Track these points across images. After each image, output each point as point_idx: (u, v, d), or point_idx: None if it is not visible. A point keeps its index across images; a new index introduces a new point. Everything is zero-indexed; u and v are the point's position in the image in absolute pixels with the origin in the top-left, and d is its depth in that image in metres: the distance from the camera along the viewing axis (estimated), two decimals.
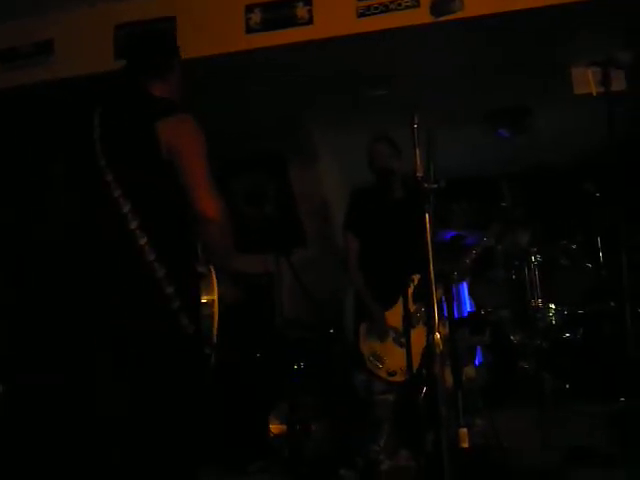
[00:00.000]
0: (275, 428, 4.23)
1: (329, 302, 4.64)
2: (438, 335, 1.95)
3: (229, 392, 4.16)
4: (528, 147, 5.09)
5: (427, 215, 1.96)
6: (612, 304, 4.24)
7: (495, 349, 4.38)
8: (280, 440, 4.13)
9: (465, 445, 2.05)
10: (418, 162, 2.05)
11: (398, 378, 3.16)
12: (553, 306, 4.54)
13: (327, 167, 4.90)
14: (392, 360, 3.20)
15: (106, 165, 1.97)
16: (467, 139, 5.11)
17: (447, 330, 2.30)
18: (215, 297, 2.08)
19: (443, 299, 2.69)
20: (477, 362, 4.56)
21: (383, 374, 3.24)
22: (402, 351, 2.96)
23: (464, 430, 2.05)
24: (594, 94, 2.49)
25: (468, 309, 5.31)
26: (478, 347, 4.46)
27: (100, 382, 2.14)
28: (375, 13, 3.06)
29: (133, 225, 1.92)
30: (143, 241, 1.91)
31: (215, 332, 2.11)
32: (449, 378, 3.23)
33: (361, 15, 3.08)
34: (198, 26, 3.26)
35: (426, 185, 2.00)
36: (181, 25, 3.31)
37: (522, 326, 4.48)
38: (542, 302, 4.42)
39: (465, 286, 5.01)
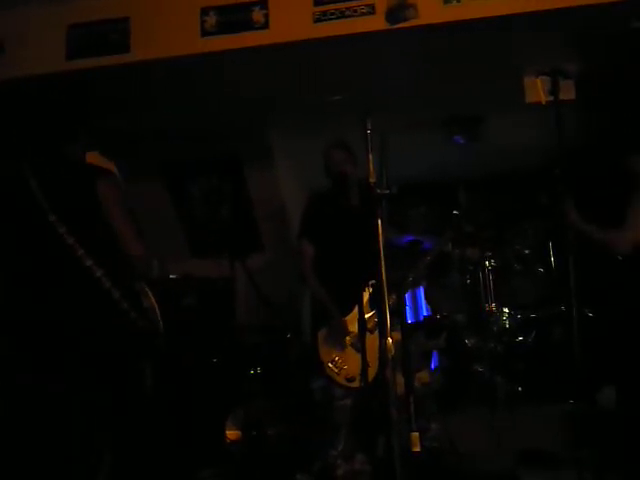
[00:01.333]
0: (231, 434, 4.19)
1: (287, 306, 4.62)
2: (390, 340, 1.96)
3: (185, 397, 4.11)
4: (486, 154, 5.18)
5: (379, 220, 1.96)
6: (563, 308, 4.35)
7: (450, 353, 4.43)
8: (236, 445, 4.09)
9: (416, 449, 2.06)
10: (371, 167, 2.06)
11: (357, 384, 3.16)
12: (507, 310, 4.63)
13: (285, 171, 4.89)
14: (351, 366, 3.19)
15: (49, 209, 2.46)
16: (426, 145, 5.17)
17: (400, 335, 2.30)
18: (154, 304, 2.74)
19: (396, 304, 2.70)
20: (433, 366, 4.61)
21: (342, 380, 3.23)
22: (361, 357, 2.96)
23: (415, 434, 2.05)
24: (543, 103, 2.56)
25: (424, 314, 5.36)
26: (434, 351, 4.50)
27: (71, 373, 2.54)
28: (331, 19, 3.06)
29: (88, 263, 2.46)
30: (90, 263, 2.47)
31: (161, 326, 2.74)
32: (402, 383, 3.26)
33: (317, 20, 3.08)
34: (152, 28, 3.21)
35: (378, 190, 2.01)
36: (135, 26, 3.25)
37: (476, 330, 4.55)
38: (496, 306, 4.51)
39: (421, 291, 5.05)
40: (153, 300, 2.74)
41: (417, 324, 4.98)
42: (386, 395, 1.98)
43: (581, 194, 3.26)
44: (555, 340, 4.38)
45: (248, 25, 3.11)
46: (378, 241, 1.97)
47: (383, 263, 1.98)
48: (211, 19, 3.14)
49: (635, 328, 2.94)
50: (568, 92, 3.19)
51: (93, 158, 2.94)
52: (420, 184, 5.77)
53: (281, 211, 4.85)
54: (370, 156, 2.06)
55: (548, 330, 4.37)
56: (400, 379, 2.30)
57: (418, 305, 5.45)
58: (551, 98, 2.46)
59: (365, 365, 2.77)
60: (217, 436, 4.18)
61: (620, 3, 3.00)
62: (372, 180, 2.03)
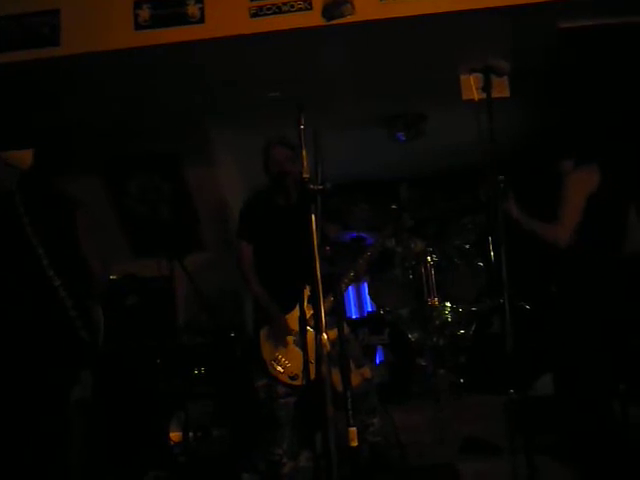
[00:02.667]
0: (175, 435, 4.13)
1: (230, 305, 4.58)
2: (325, 336, 1.95)
3: (127, 399, 4.03)
4: (428, 151, 5.26)
5: (313, 217, 1.96)
6: (501, 301, 4.44)
7: (394, 348, 4.48)
8: (181, 447, 4.03)
9: (355, 444, 2.06)
10: (305, 163, 2.05)
11: (300, 381, 3.15)
12: (448, 304, 4.72)
13: (226, 168, 4.83)
14: (293, 364, 3.18)
15: (32, 233, 2.87)
16: (369, 143, 5.20)
17: (337, 331, 2.30)
18: (100, 319, 3.08)
19: (335, 301, 2.70)
20: (377, 361, 4.65)
21: (284, 378, 3.22)
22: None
23: (353, 430, 2.06)
24: (476, 100, 2.61)
25: (368, 309, 5.42)
26: (378, 346, 4.54)
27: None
28: (268, 14, 3.03)
29: (50, 273, 2.85)
30: (57, 283, 2.87)
31: (100, 340, 3.08)
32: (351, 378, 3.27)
33: (254, 15, 3.05)
34: (84, 21, 3.10)
35: (312, 187, 2.00)
36: (66, 19, 3.14)
37: (419, 324, 4.62)
38: (438, 301, 4.58)
39: (365, 286, 5.09)
40: (100, 316, 3.08)
41: (361, 319, 5.03)
42: (323, 392, 1.98)
43: (519, 192, 3.36)
44: (494, 332, 4.48)
45: (183, 19, 3.05)
46: (312, 238, 1.96)
47: (318, 260, 1.96)
48: (144, 12, 3.07)
49: (567, 318, 3.03)
50: (501, 90, 3.26)
51: (26, 155, 2.98)
52: (363, 181, 5.83)
53: (223, 210, 4.79)
54: (304, 152, 2.05)
55: (488, 323, 4.47)
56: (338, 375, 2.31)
57: (362, 301, 5.50)
58: (484, 95, 2.49)
59: (307, 362, 2.76)
60: (161, 438, 4.11)
61: (549, 3, 3.09)
62: (306, 176, 2.02)
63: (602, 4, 3.11)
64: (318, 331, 1.91)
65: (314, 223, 1.98)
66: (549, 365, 3.79)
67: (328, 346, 1.93)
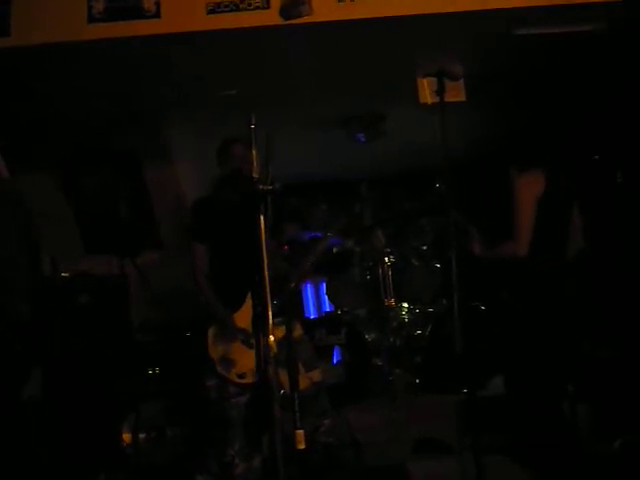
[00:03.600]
0: (127, 436, 4.06)
1: (187, 304, 4.53)
2: (272, 338, 1.94)
3: (79, 399, 3.95)
4: (388, 152, 5.28)
5: (261, 217, 1.94)
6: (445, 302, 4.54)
7: (350, 348, 4.49)
8: (133, 448, 3.97)
9: (302, 447, 2.05)
10: (255, 163, 2.04)
11: (248, 380, 3.13)
12: (405, 305, 4.76)
13: (184, 167, 4.78)
14: (242, 362, 3.16)
15: None
16: (328, 143, 5.21)
17: (286, 332, 2.30)
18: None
19: (286, 301, 2.70)
20: (335, 361, 4.65)
21: (233, 377, 3.19)
22: (251, 353, 2.93)
23: (300, 432, 2.05)
24: (429, 103, 2.63)
25: (326, 309, 5.42)
26: (335, 346, 4.55)
27: None
28: (225, 11, 2.99)
29: None
30: None
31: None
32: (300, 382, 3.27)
33: (211, 12, 3.00)
34: (36, 11, 3.01)
35: (261, 187, 1.99)
36: (17, 8, 3.04)
37: (376, 325, 4.64)
38: (395, 301, 4.61)
39: (323, 286, 5.08)
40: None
41: (318, 319, 5.03)
42: (269, 394, 1.97)
43: (472, 199, 3.42)
44: (450, 333, 4.52)
45: (138, 13, 2.99)
46: (260, 236, 1.95)
47: (265, 260, 1.95)
48: (99, 5, 2.99)
49: (517, 321, 3.09)
50: (457, 94, 3.30)
51: None
52: (324, 181, 5.84)
53: (181, 207, 4.73)
54: (254, 152, 2.04)
55: (444, 323, 4.52)
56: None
57: (321, 301, 5.50)
58: (437, 99, 2.51)
59: (259, 361, 2.74)
60: (114, 439, 4.04)
61: (505, 10, 3.13)
62: (255, 176, 2.00)
63: (554, 14, 3.17)
64: (264, 333, 1.90)
65: (262, 223, 1.97)
66: (500, 366, 3.85)
67: (275, 348, 1.92)
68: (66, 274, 4.23)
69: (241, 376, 3.14)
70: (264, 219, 1.97)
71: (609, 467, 3.06)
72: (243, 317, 3.09)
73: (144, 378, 4.28)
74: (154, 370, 4.34)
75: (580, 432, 3.40)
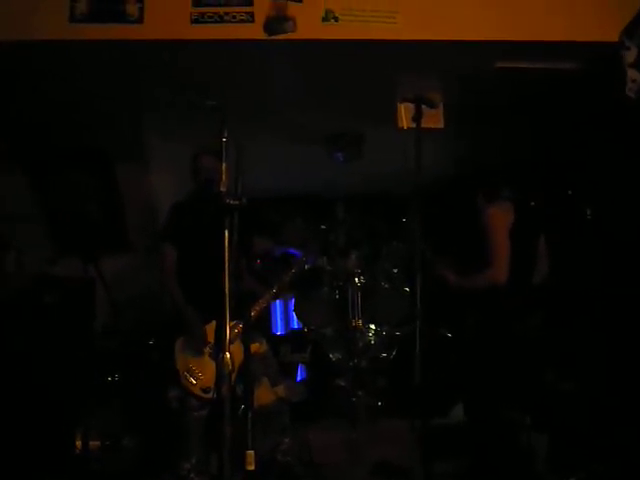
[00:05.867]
0: (83, 443, 3.97)
1: (152, 310, 4.47)
2: (228, 355, 1.92)
3: (35, 402, 3.85)
4: (365, 172, 5.30)
5: (226, 231, 1.92)
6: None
7: (314, 366, 4.46)
8: (88, 455, 3.89)
9: (251, 467, 2.02)
10: (224, 176, 2.02)
11: (212, 395, 3.09)
12: (373, 327, 4.74)
13: (157, 170, 4.74)
14: (207, 376, 3.13)
15: None
16: (306, 159, 5.21)
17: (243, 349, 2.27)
18: None
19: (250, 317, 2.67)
20: (298, 379, 4.62)
21: (197, 390, 3.16)
22: None
23: (251, 452, 2.02)
24: (405, 128, 2.66)
25: (294, 326, 5.38)
26: (299, 364, 4.52)
27: None
28: (209, 22, 3.00)
29: None
30: None
31: None
32: (265, 396, 3.23)
33: (195, 22, 3.00)
34: (16, 7, 2.98)
35: (229, 201, 1.97)
36: None
37: (342, 345, 4.62)
38: (363, 322, 4.59)
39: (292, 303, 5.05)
40: None
41: (284, 336, 4.99)
42: (221, 411, 1.94)
43: (444, 226, 3.44)
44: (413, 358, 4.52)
45: (121, 17, 2.98)
46: (225, 251, 1.92)
47: (228, 276, 1.93)
48: (82, 5, 2.97)
49: (479, 350, 3.10)
50: (435, 121, 3.33)
51: None
52: (301, 197, 5.83)
53: (151, 210, 4.69)
54: (224, 165, 2.02)
55: (409, 347, 4.50)
56: (264, 392, 2.27)
57: (289, 317, 5.46)
58: (413, 125, 2.53)
59: (220, 376, 2.71)
60: (67, 445, 3.95)
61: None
62: (223, 189, 1.99)
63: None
64: (221, 349, 1.87)
65: (227, 238, 1.95)
66: (462, 394, 3.85)
67: (230, 365, 1.90)
68: (31, 273, 4.17)
69: (205, 390, 3.12)
70: (229, 233, 1.95)
71: None
72: (212, 331, 3.07)
73: (103, 385, 4.20)
74: (113, 377, 4.25)
75: (536, 464, 3.41)
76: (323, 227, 3.59)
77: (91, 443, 3.92)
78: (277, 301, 5.35)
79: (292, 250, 4.86)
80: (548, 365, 3.68)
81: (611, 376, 3.46)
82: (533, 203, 3.13)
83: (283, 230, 5.13)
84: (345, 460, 3.78)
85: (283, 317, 5.45)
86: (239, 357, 2.25)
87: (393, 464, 3.66)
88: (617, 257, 3.51)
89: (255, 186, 2.24)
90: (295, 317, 4.93)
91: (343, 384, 4.47)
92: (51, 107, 3.69)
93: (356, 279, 4.57)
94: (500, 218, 3.03)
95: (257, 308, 3.22)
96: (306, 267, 4.76)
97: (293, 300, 4.86)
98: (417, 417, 2.78)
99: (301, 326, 4.90)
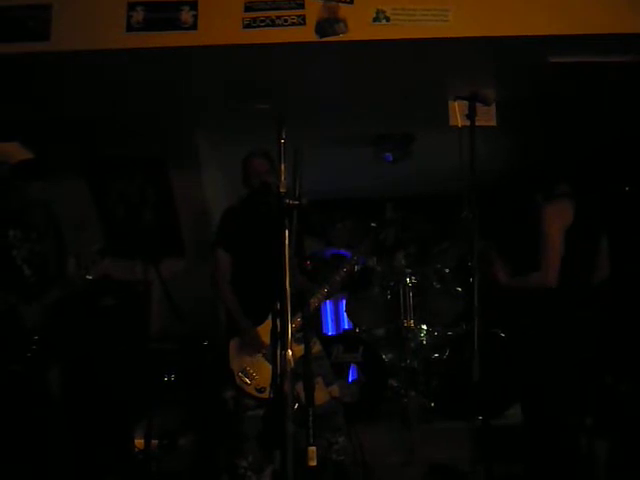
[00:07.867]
0: (140, 442, 4.07)
1: (206, 313, 4.54)
2: (290, 353, 1.94)
3: (95, 402, 3.97)
4: (416, 172, 5.28)
5: (287, 232, 1.95)
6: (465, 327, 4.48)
7: (366, 367, 4.45)
8: (146, 454, 3.97)
9: (313, 463, 2.04)
10: (283, 178, 2.04)
11: (267, 395, 3.12)
12: (425, 327, 4.71)
13: (211, 176, 4.82)
14: (261, 376, 3.16)
15: None
16: (357, 160, 5.22)
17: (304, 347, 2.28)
18: None
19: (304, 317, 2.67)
20: (350, 379, 4.62)
21: (252, 390, 3.19)
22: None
23: (312, 449, 2.03)
24: (459, 126, 2.63)
25: (344, 327, 5.38)
26: (351, 364, 4.51)
27: None
28: (261, 26, 3.03)
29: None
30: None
31: None
32: (319, 395, 3.24)
33: (247, 26, 3.04)
34: (76, 18, 3.08)
35: (288, 201, 1.99)
36: (57, 15, 3.11)
37: (394, 345, 4.61)
38: (414, 323, 4.57)
39: (343, 304, 5.05)
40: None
41: (336, 336, 4.99)
42: (283, 409, 1.96)
43: (498, 226, 3.38)
44: (468, 358, 4.47)
45: (176, 25, 3.04)
46: (284, 251, 1.95)
47: (288, 275, 1.95)
48: (138, 15, 3.05)
49: (537, 351, 3.04)
50: (488, 118, 3.29)
51: (12, 148, 2.90)
52: (350, 198, 5.84)
53: (205, 216, 4.77)
54: (283, 166, 2.05)
55: (462, 348, 4.46)
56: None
57: (340, 317, 5.47)
58: (467, 123, 2.50)
59: (276, 376, 2.74)
60: (126, 443, 4.05)
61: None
62: (283, 190, 2.01)
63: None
64: (283, 347, 1.89)
65: (287, 238, 1.97)
66: (519, 395, 3.78)
67: (292, 362, 1.92)
68: (90, 276, 4.28)
69: (260, 390, 3.14)
70: (289, 234, 1.98)
71: None
72: (266, 331, 3.09)
73: (159, 385, 4.29)
74: (169, 377, 4.34)
75: (596, 469, 3.33)
76: (373, 225, 3.56)
77: (145, 442, 3.99)
78: (328, 302, 5.36)
79: (342, 251, 4.87)
80: (607, 367, 3.59)
81: None
82: (593, 203, 3.03)
83: (333, 231, 5.14)
84: (398, 462, 3.77)
85: (334, 318, 5.46)
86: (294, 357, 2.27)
87: (448, 467, 3.63)
88: None
89: (305, 188, 2.26)
90: (346, 318, 4.95)
91: (395, 385, 4.46)
92: (111, 116, 3.81)
93: (407, 279, 4.56)
94: (556, 218, 2.95)
95: (310, 307, 3.24)
96: (356, 268, 4.78)
97: (344, 301, 4.88)
98: (475, 417, 2.74)
99: (352, 326, 4.91)
